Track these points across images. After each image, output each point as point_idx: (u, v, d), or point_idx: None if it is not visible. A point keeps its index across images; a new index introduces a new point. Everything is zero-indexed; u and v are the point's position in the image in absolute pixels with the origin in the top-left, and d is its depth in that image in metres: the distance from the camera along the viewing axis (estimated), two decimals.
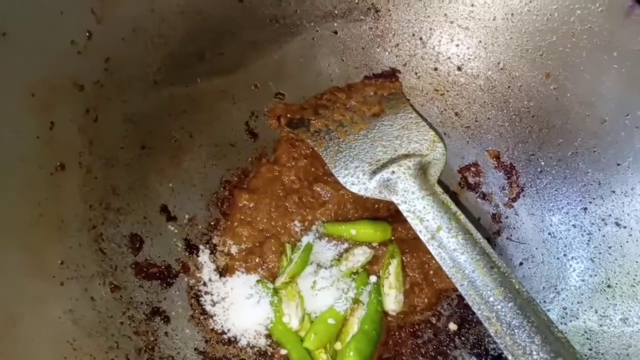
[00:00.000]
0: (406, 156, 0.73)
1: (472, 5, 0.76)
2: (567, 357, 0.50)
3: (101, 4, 0.61)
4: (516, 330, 0.53)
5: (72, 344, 0.56)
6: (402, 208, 0.68)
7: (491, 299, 0.56)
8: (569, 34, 0.69)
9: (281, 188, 0.80)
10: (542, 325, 0.53)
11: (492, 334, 0.55)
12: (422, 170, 0.72)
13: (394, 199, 0.69)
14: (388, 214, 0.80)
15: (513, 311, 0.54)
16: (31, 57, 0.57)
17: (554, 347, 0.51)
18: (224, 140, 0.81)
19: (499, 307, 0.55)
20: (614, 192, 0.70)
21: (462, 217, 0.65)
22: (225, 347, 0.71)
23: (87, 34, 0.62)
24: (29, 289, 0.54)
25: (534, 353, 0.51)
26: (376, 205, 0.80)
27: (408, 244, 0.77)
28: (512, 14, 0.73)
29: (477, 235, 0.63)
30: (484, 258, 0.59)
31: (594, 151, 0.71)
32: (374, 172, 0.73)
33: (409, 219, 0.67)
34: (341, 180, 0.74)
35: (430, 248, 0.64)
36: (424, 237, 0.65)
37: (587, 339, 0.66)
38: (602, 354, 0.64)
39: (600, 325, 0.66)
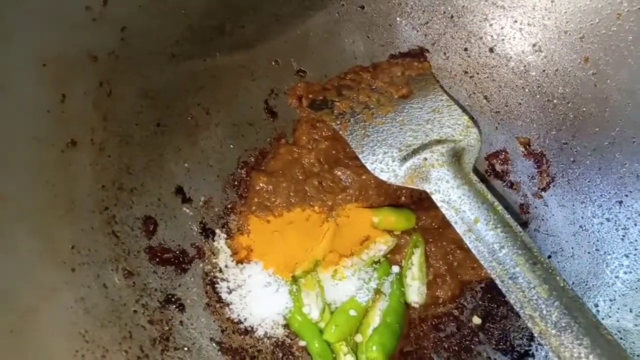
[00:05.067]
0: (438, 142, 0.70)
1: None
2: None
3: None
4: (562, 332, 0.50)
5: (85, 336, 0.52)
6: (436, 198, 0.64)
7: (535, 297, 0.53)
8: (614, 15, 0.65)
9: (300, 171, 0.76)
10: (591, 327, 0.50)
11: (535, 335, 0.52)
12: (456, 157, 0.67)
13: (427, 187, 0.66)
14: (410, 201, 0.76)
15: (559, 310, 0.51)
16: (44, 24, 0.52)
17: (605, 350, 0.48)
18: (242, 118, 0.76)
19: (543, 305, 0.52)
20: None
21: (500, 208, 0.61)
22: (242, 337, 0.67)
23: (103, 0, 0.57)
24: (42, 277, 0.50)
25: (583, 357, 0.48)
26: (398, 192, 0.76)
27: (431, 234, 0.74)
28: None
29: (518, 228, 0.59)
30: (526, 253, 0.56)
31: (633, 142, 0.67)
32: (404, 159, 0.69)
33: (443, 210, 0.63)
34: (369, 167, 0.70)
35: (466, 241, 0.60)
36: (460, 229, 0.61)
37: (621, 338, 0.63)
38: (639, 355, 0.61)
39: (636, 325, 0.63)
